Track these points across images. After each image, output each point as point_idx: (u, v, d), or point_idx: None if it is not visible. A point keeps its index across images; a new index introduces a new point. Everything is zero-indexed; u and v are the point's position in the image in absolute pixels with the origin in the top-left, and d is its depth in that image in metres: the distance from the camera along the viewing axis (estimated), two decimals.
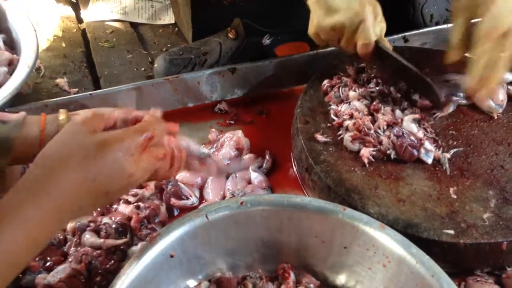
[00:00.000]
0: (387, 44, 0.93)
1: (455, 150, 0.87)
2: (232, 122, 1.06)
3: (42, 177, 0.55)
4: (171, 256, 0.68)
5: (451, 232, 0.74)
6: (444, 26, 1.21)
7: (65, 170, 0.55)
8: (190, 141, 0.71)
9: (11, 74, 1.00)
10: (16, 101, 1.01)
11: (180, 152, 0.70)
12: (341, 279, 0.73)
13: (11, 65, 1.04)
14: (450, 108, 0.94)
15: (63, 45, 1.30)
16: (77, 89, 1.15)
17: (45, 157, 0.56)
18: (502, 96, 0.93)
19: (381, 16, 0.90)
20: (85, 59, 1.26)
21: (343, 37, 0.91)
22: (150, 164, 0.62)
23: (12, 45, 1.11)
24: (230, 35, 1.16)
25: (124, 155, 0.58)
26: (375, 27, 0.89)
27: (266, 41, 1.22)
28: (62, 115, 0.71)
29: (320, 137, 0.89)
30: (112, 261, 0.76)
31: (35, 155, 0.62)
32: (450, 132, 0.91)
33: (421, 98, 0.93)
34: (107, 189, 0.58)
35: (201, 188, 0.91)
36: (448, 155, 0.85)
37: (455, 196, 0.80)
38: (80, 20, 1.40)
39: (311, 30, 0.93)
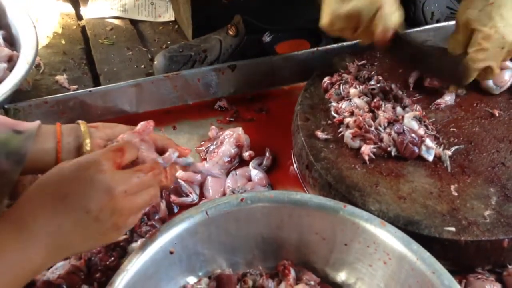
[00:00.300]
0: (404, 31, 0.91)
1: (456, 147, 0.87)
2: (232, 119, 1.06)
3: (22, 214, 0.54)
4: (171, 253, 0.68)
5: (452, 229, 0.74)
6: (445, 23, 1.21)
7: (41, 199, 0.55)
8: (175, 153, 0.70)
9: (10, 71, 0.99)
10: (16, 97, 1.01)
11: (171, 169, 0.69)
12: (341, 276, 0.73)
13: (11, 62, 1.04)
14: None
15: (63, 42, 1.29)
16: (76, 86, 1.15)
17: (27, 193, 0.56)
18: (507, 77, 0.94)
19: (398, 3, 0.88)
20: (85, 56, 1.26)
21: (360, 26, 0.88)
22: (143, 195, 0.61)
23: (11, 42, 1.11)
24: (231, 32, 1.16)
25: (97, 171, 0.57)
26: (393, 14, 0.86)
27: (267, 38, 1.22)
28: (82, 126, 0.70)
29: (320, 134, 0.88)
30: (112, 258, 0.75)
31: (50, 166, 0.62)
32: (451, 129, 0.90)
33: (431, 80, 0.94)
34: (86, 208, 0.55)
35: (201, 185, 0.90)
36: (449, 152, 0.85)
37: (456, 194, 0.79)
38: (80, 17, 1.40)
39: (325, 19, 0.89)
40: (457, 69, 0.90)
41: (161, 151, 0.69)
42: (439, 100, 0.94)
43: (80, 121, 0.71)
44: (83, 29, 1.36)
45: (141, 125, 0.69)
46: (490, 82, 0.95)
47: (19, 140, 0.65)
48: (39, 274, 0.56)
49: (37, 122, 0.69)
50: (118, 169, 0.59)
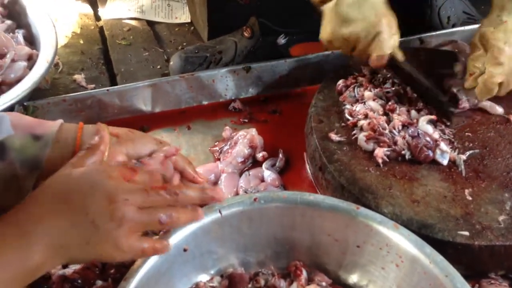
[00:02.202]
0: (399, 55, 0.93)
1: (471, 152, 0.86)
2: (246, 120, 1.06)
3: (19, 215, 0.53)
4: (184, 250, 0.68)
5: (466, 233, 0.73)
6: (461, 28, 1.20)
7: (40, 201, 0.54)
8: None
9: (30, 69, 1.01)
10: (35, 95, 1.03)
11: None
12: (353, 278, 0.73)
13: (31, 60, 1.06)
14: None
15: (81, 42, 1.31)
16: (94, 85, 1.17)
17: (28, 197, 0.55)
18: None
19: (396, 27, 0.91)
20: (102, 56, 1.28)
21: (357, 47, 0.91)
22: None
23: (31, 41, 1.13)
24: (246, 34, 1.17)
25: (104, 177, 0.55)
26: (390, 39, 0.89)
27: (281, 40, 1.23)
28: (103, 126, 0.65)
29: (334, 136, 0.89)
30: None
31: None
32: (466, 134, 0.90)
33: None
34: (86, 209, 0.53)
35: (214, 185, 0.91)
36: (463, 157, 0.84)
37: (470, 198, 0.79)
38: (98, 18, 1.42)
39: (324, 36, 0.94)
40: (443, 105, 0.91)
41: (179, 173, 0.68)
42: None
43: (102, 124, 0.66)
44: (101, 30, 1.38)
45: (167, 150, 0.66)
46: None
47: (36, 147, 0.63)
48: (39, 276, 0.54)
49: (58, 123, 0.66)
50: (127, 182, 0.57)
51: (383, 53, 0.90)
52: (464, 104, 0.92)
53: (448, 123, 0.91)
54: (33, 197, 0.55)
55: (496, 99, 0.93)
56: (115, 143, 0.65)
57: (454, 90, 0.93)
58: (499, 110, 0.94)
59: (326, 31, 0.93)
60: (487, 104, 0.94)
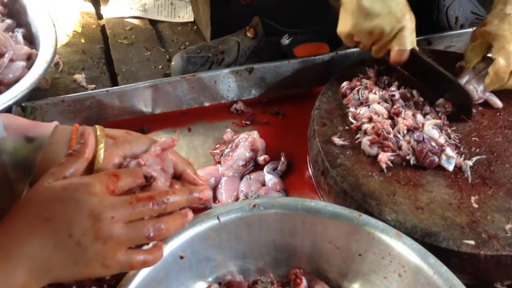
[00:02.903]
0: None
1: (477, 157, 0.84)
2: (248, 122, 1.04)
3: (7, 235, 0.51)
4: (181, 258, 0.67)
5: (472, 242, 0.71)
6: (469, 29, 1.17)
7: (18, 220, 0.52)
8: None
9: (29, 69, 1.00)
10: (34, 95, 1.02)
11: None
12: (354, 287, 0.71)
13: (30, 60, 1.04)
14: None
15: (82, 41, 1.30)
16: (94, 86, 1.15)
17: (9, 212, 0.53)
18: None
19: (414, 25, 0.91)
20: (104, 56, 1.26)
21: (378, 42, 0.91)
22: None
23: (31, 40, 1.11)
24: (249, 34, 1.15)
25: (85, 193, 0.52)
26: (411, 35, 0.90)
27: (285, 41, 1.20)
28: (98, 131, 0.62)
29: (337, 140, 0.87)
30: None
31: None
32: (473, 138, 0.88)
33: (447, 105, 0.92)
34: (68, 230, 0.51)
35: (214, 189, 0.89)
36: (470, 163, 0.82)
37: (476, 206, 0.77)
38: (99, 16, 1.40)
39: (344, 30, 0.92)
40: (466, 99, 0.91)
41: (179, 176, 0.65)
42: None
43: (98, 128, 0.63)
44: (103, 29, 1.36)
45: (163, 142, 0.63)
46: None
47: (28, 149, 0.61)
48: None
49: (53, 125, 0.63)
50: (112, 195, 0.54)
51: (405, 47, 0.89)
52: (478, 94, 0.93)
53: (470, 117, 0.91)
54: (14, 214, 0.53)
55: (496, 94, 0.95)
56: (112, 145, 0.62)
57: (464, 80, 0.93)
58: (499, 103, 0.94)
59: (346, 24, 0.91)
60: (491, 97, 0.94)
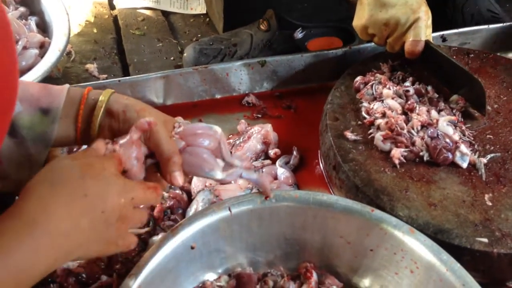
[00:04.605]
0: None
1: (492, 155, 0.83)
2: (259, 115, 1.04)
3: (32, 212, 0.50)
4: (192, 248, 0.67)
5: (485, 240, 0.70)
6: (485, 26, 1.16)
7: (54, 197, 0.51)
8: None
9: (42, 57, 1.00)
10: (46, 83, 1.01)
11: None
12: (365, 282, 0.71)
13: (43, 48, 1.04)
14: None
15: (95, 31, 1.30)
16: (106, 75, 1.15)
17: (32, 189, 0.52)
18: None
19: (431, 19, 0.91)
20: (116, 46, 1.26)
21: (393, 33, 0.91)
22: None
23: (44, 28, 1.12)
24: (262, 27, 1.14)
25: (111, 174, 0.55)
26: (427, 27, 0.90)
27: (299, 34, 1.20)
28: (103, 95, 0.62)
29: (349, 135, 0.86)
30: (133, 250, 0.74)
31: (72, 142, 0.61)
32: (488, 136, 0.87)
33: (460, 101, 0.90)
34: (103, 207, 0.53)
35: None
36: (484, 160, 0.81)
37: (490, 203, 0.76)
38: (112, 7, 1.40)
39: (360, 22, 0.93)
40: (480, 94, 0.89)
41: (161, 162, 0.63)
42: None
43: (108, 93, 0.62)
44: (115, 19, 1.36)
45: (138, 125, 0.59)
46: None
47: (45, 123, 0.61)
48: (45, 275, 0.51)
49: (64, 92, 0.62)
50: None
51: (419, 38, 0.90)
52: None
53: (483, 113, 0.89)
54: (37, 193, 0.52)
55: None
56: (110, 119, 0.62)
57: None
58: None
59: (362, 16, 0.92)
60: None
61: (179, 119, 0.68)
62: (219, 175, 0.64)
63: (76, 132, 0.62)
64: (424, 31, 0.89)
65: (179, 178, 0.61)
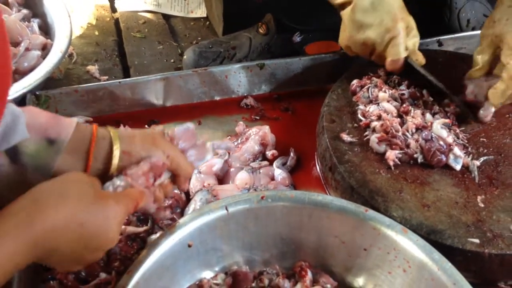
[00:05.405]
0: (420, 57, 0.94)
1: (485, 158, 0.84)
2: (258, 117, 1.05)
3: (32, 207, 0.51)
4: (189, 246, 0.68)
5: (476, 241, 0.72)
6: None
7: (58, 205, 0.53)
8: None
9: (44, 58, 1.01)
10: (48, 85, 1.03)
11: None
12: (359, 281, 0.72)
13: (45, 50, 1.06)
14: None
15: (96, 33, 1.32)
16: (107, 77, 1.17)
17: (40, 190, 0.54)
18: None
19: (415, 30, 0.92)
20: (117, 48, 1.28)
21: (374, 52, 0.93)
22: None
23: (46, 30, 1.13)
24: (261, 31, 1.16)
25: (115, 216, 0.57)
26: (406, 42, 0.91)
27: (297, 38, 1.21)
28: (115, 150, 0.62)
29: (345, 137, 0.87)
30: (132, 248, 0.76)
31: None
32: (481, 139, 0.88)
33: (451, 106, 0.92)
34: (88, 242, 0.55)
35: (222, 179, 0.91)
36: (477, 163, 0.83)
37: (482, 205, 0.77)
38: (114, 10, 1.42)
39: (343, 42, 0.96)
40: (463, 109, 0.91)
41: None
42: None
43: (112, 134, 0.63)
44: (117, 22, 1.38)
45: (154, 163, 0.63)
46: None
47: (49, 152, 0.60)
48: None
49: (73, 124, 0.62)
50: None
51: (398, 57, 0.91)
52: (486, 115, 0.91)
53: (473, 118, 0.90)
54: (47, 194, 0.54)
55: None
56: (126, 158, 0.64)
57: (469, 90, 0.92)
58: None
59: (344, 37, 0.95)
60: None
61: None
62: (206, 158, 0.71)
63: (86, 168, 0.62)
64: (402, 48, 0.90)
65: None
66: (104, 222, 0.55)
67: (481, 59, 0.90)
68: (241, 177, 0.88)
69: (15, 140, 0.57)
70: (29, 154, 0.59)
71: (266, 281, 0.70)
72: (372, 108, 0.91)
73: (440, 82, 0.94)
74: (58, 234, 0.52)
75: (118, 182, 0.61)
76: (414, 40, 0.92)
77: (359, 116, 0.91)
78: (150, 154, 0.64)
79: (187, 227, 0.68)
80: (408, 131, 0.85)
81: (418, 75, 0.94)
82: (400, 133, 0.85)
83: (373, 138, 0.85)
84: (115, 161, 0.62)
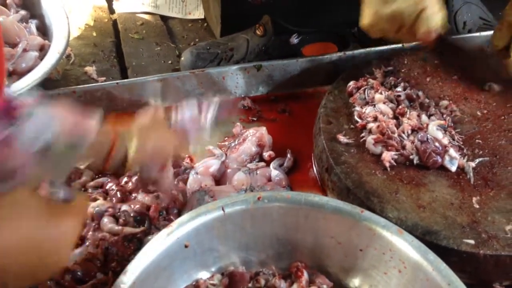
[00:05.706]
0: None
1: (480, 159, 0.85)
2: (255, 119, 1.06)
3: None
4: (186, 246, 0.68)
5: (471, 242, 0.72)
6: (477, 34, 1.18)
7: (7, 227, 0.53)
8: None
9: (41, 59, 1.02)
10: (45, 85, 1.03)
11: None
12: (355, 282, 0.72)
13: (42, 51, 1.06)
14: None
15: (94, 34, 1.32)
16: (104, 78, 1.17)
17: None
18: None
19: (442, 3, 0.87)
20: (115, 49, 1.28)
21: (403, 27, 0.88)
22: None
23: (44, 31, 1.13)
24: (258, 32, 1.16)
25: (66, 232, 0.58)
26: (436, 15, 0.86)
27: (294, 40, 1.22)
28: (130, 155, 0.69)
29: (342, 138, 0.88)
30: (128, 249, 0.76)
31: None
32: (477, 141, 0.88)
33: (449, 106, 0.93)
34: (41, 262, 0.55)
35: (219, 180, 0.91)
36: (473, 164, 0.83)
37: (477, 206, 0.78)
38: (112, 11, 1.42)
39: (367, 19, 0.90)
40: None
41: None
42: None
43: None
44: (115, 23, 1.38)
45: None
46: None
47: (71, 154, 0.62)
48: None
49: (95, 130, 0.64)
50: None
51: (430, 29, 0.86)
52: None
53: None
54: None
55: None
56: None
57: None
58: None
59: (367, 14, 0.89)
60: None
61: None
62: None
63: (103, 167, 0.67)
64: (433, 19, 0.85)
65: None
66: (56, 241, 0.56)
67: (499, 37, 0.90)
68: (238, 178, 0.88)
69: (46, 140, 0.58)
70: (55, 154, 0.60)
71: (263, 282, 0.70)
72: (368, 110, 0.91)
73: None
74: (7, 255, 0.52)
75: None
76: (441, 13, 0.88)
77: (356, 117, 0.92)
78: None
79: (183, 228, 0.68)
80: (404, 133, 0.86)
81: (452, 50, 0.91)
82: (396, 135, 0.85)
83: (369, 139, 0.86)
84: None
